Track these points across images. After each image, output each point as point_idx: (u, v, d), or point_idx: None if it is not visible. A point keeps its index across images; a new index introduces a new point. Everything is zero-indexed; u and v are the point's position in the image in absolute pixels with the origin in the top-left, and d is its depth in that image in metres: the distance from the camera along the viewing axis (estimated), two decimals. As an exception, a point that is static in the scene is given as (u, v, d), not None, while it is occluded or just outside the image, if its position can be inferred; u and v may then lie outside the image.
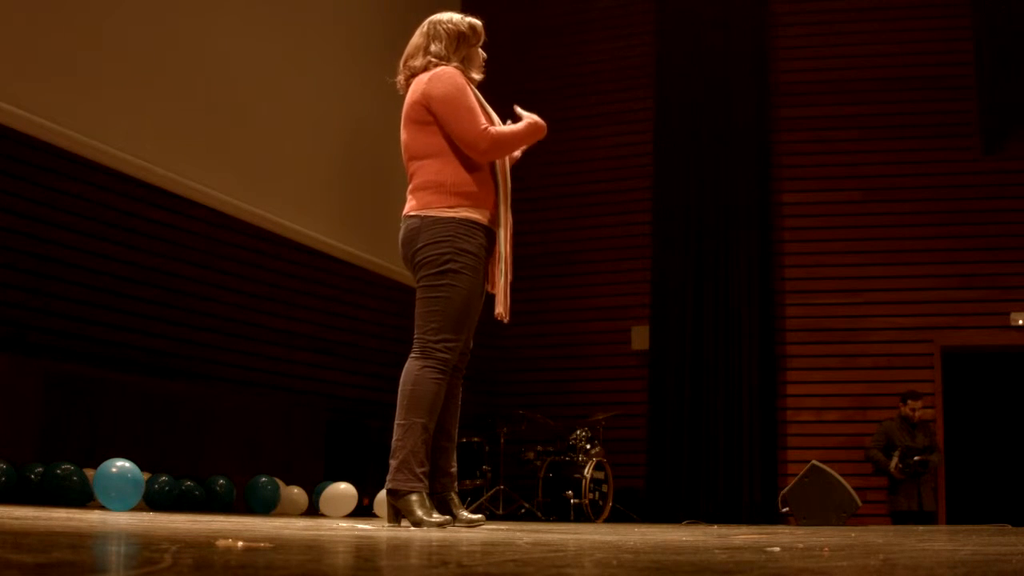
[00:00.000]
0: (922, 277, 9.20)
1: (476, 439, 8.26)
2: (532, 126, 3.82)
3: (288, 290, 7.69)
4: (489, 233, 3.73)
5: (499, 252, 3.70)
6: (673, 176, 9.85)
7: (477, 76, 3.93)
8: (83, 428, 5.77)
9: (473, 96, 3.78)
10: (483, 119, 3.73)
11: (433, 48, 3.84)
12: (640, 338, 9.81)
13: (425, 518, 3.48)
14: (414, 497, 3.55)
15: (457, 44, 3.86)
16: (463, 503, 8.33)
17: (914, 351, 9.13)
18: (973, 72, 9.34)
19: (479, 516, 3.74)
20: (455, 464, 3.85)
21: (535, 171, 10.48)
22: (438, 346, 3.64)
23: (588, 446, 8.21)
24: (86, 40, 6.10)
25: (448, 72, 3.77)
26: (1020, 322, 8.94)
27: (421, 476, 3.59)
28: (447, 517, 3.57)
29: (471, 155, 3.70)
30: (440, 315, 3.64)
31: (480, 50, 3.96)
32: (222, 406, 6.78)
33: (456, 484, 3.84)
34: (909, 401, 8.21)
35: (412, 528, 3.44)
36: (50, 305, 5.92)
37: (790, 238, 9.62)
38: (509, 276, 3.72)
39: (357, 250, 8.35)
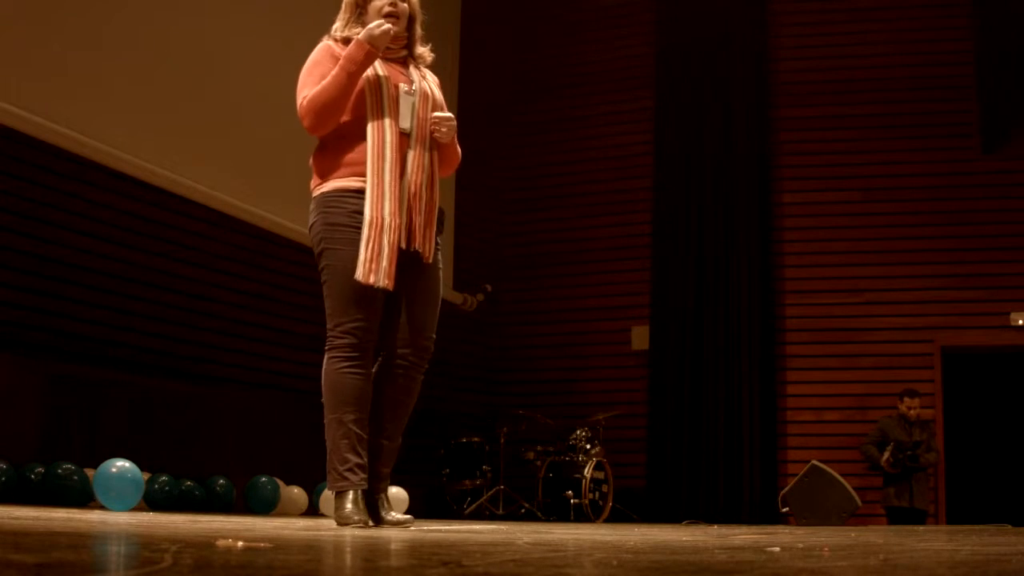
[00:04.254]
0: (922, 277, 9.20)
1: (476, 439, 8.26)
2: (344, 59, 3.42)
3: (288, 290, 7.69)
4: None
5: (365, 216, 3.36)
6: (673, 176, 9.85)
7: (382, 26, 3.49)
8: (83, 428, 5.77)
9: (319, 68, 3.48)
10: (305, 92, 3.43)
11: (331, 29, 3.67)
12: (640, 338, 9.81)
13: (343, 513, 3.32)
14: (346, 495, 3.38)
15: (342, 13, 3.64)
16: (464, 503, 8.35)
17: (914, 351, 9.13)
18: (973, 72, 9.34)
19: (407, 516, 3.54)
20: (391, 464, 3.60)
21: (535, 171, 10.50)
22: (335, 332, 3.42)
23: (588, 446, 8.21)
24: (86, 40, 6.10)
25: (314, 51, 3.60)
26: (1020, 322, 8.94)
27: (345, 474, 3.38)
28: (364, 519, 3.35)
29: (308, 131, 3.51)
30: (329, 300, 3.44)
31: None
32: (222, 406, 6.78)
33: (387, 484, 3.60)
34: (905, 399, 8.22)
35: (336, 527, 3.28)
36: (50, 305, 5.92)
37: (790, 238, 9.62)
38: (387, 239, 3.35)
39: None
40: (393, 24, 3.52)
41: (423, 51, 3.71)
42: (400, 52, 3.65)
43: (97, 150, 6.14)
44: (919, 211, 9.29)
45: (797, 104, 9.76)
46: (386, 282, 3.35)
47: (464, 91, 9.01)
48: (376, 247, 3.34)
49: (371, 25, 3.46)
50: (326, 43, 3.61)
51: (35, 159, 5.89)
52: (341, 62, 3.44)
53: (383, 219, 3.36)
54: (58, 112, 5.88)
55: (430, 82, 3.68)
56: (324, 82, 3.43)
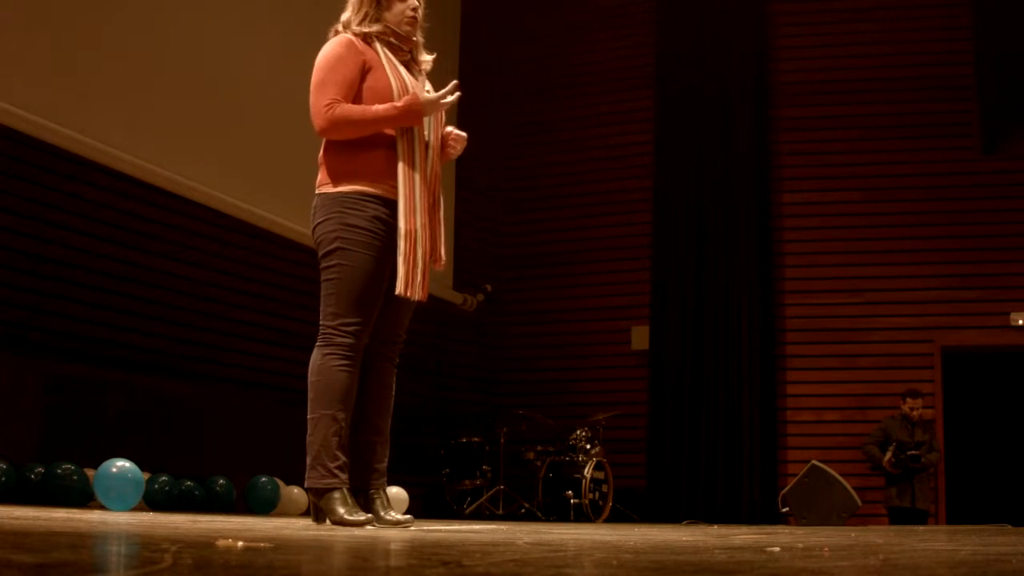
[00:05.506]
0: (922, 277, 9.20)
1: (476, 439, 8.26)
2: (395, 110, 3.45)
3: (288, 290, 7.69)
4: (390, 205, 3.48)
5: (399, 228, 3.42)
6: (673, 176, 9.85)
7: (406, 29, 3.62)
8: (83, 428, 5.77)
9: (345, 67, 3.49)
10: (332, 93, 3.44)
11: (342, 17, 3.64)
12: (640, 338, 9.81)
13: (347, 517, 3.30)
14: (335, 495, 3.36)
15: (360, 5, 3.61)
16: (464, 503, 8.33)
17: (914, 351, 9.13)
18: (973, 72, 9.34)
19: (407, 516, 3.53)
20: (385, 460, 3.61)
21: (535, 171, 10.50)
22: (338, 331, 3.43)
23: (588, 446, 8.21)
24: (86, 40, 6.10)
25: (330, 43, 3.58)
26: (1020, 322, 8.93)
27: (336, 471, 3.39)
28: (369, 516, 3.37)
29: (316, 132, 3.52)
30: (335, 297, 3.45)
31: (405, 1, 3.60)
32: (222, 406, 6.79)
33: (385, 481, 3.60)
34: (908, 399, 8.22)
35: (334, 527, 3.27)
36: (50, 305, 5.92)
37: (790, 238, 9.62)
38: (421, 251, 3.44)
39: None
40: (411, 27, 3.62)
41: (428, 59, 3.75)
42: (405, 56, 3.67)
43: (97, 150, 6.14)
44: (919, 211, 9.29)
45: (797, 104, 9.76)
46: (422, 295, 3.46)
47: (464, 91, 8.99)
48: (413, 260, 3.42)
49: (444, 96, 3.54)
50: (346, 37, 3.58)
51: (35, 159, 5.89)
52: (396, 109, 3.46)
53: (416, 231, 3.44)
54: (58, 112, 5.88)
55: (431, 90, 3.70)
56: (364, 112, 3.45)
